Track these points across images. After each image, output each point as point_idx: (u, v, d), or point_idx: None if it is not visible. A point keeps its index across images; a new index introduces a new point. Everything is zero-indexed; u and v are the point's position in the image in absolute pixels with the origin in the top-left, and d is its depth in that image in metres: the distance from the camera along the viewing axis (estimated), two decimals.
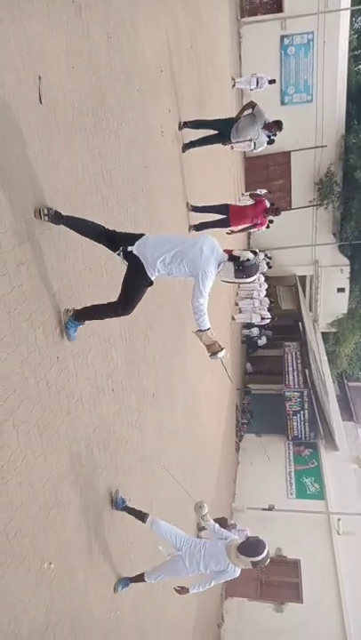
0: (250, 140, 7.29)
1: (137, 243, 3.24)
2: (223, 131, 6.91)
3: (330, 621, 10.07)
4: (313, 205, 19.81)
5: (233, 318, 14.39)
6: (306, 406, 15.32)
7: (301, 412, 15.32)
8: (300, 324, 18.77)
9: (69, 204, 3.46)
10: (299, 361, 17.44)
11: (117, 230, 3.40)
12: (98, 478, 3.92)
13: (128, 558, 4.63)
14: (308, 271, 21.38)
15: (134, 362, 4.94)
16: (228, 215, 7.47)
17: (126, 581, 4.39)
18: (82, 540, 3.58)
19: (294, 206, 19.88)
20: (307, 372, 16.35)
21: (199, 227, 7.77)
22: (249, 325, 16.50)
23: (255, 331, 16.73)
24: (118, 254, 3.27)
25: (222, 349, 3.40)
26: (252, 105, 6.83)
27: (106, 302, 3.41)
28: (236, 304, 15.22)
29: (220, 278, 3.36)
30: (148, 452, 5.36)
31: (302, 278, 21.66)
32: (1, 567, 2.56)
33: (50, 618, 3.04)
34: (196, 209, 7.59)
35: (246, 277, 3.33)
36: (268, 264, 18.21)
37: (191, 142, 7.26)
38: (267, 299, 15.85)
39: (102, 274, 4.04)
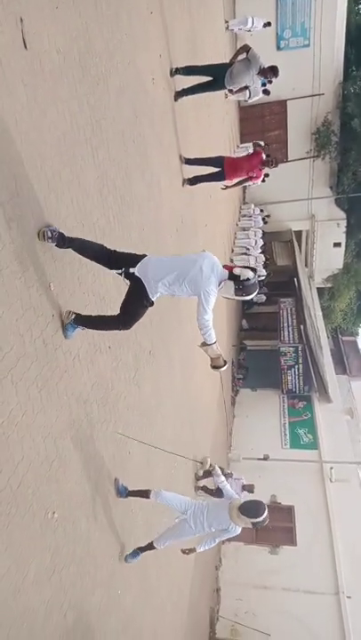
0: (245, 88, 6.99)
1: (139, 264, 3.27)
2: (216, 76, 6.61)
3: (322, 561, 10.66)
4: (310, 157, 19.31)
5: None
6: (300, 361, 15.57)
7: (296, 367, 15.58)
8: (295, 279, 18.74)
9: (58, 156, 3.35)
10: (294, 317, 17.54)
11: (119, 250, 3.41)
12: (98, 432, 4.02)
13: (130, 508, 4.82)
14: (304, 226, 21.12)
15: None
16: (222, 168, 7.27)
17: (137, 552, 4.62)
18: (84, 491, 3.70)
19: (291, 158, 19.38)
20: (302, 327, 16.48)
21: (193, 181, 7.58)
22: None
23: None
24: (120, 274, 3.32)
25: (225, 364, 3.58)
26: (246, 49, 6.49)
27: (108, 315, 3.53)
28: (231, 261, 15.11)
29: (221, 295, 3.42)
30: (145, 406, 5.47)
31: (298, 233, 21.42)
32: (7, 517, 2.66)
33: (55, 562, 3.19)
34: (189, 161, 7.38)
35: (246, 296, 3.42)
36: (263, 219, 17.94)
37: (184, 90, 6.96)
38: (262, 255, 15.73)
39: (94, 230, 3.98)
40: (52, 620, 3.14)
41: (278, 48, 17.54)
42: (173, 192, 6.98)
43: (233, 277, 3.32)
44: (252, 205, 18.99)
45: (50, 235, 3.02)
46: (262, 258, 15.69)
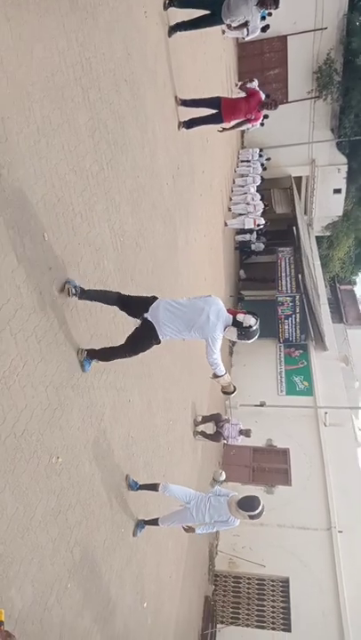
0: (244, 25, 6.54)
1: (151, 309, 3.56)
2: (213, 9, 6.18)
3: (316, 499, 11.21)
4: (311, 98, 18.49)
5: (226, 224, 14.09)
6: (298, 310, 15.65)
7: (293, 316, 15.69)
8: (294, 228, 18.45)
9: (48, 98, 3.20)
10: (292, 266, 17.44)
11: (131, 295, 3.72)
12: (98, 381, 4.09)
13: (131, 452, 5.00)
14: (303, 171, 20.55)
15: (127, 270, 4.91)
16: (220, 109, 6.96)
17: (142, 525, 5.14)
18: (86, 436, 3.82)
19: (291, 99, 18.56)
20: (300, 276, 16.43)
21: (189, 123, 7.28)
22: (242, 231, 16.19)
23: (248, 236, 16.43)
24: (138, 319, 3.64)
25: (235, 390, 4.03)
26: None
27: (116, 347, 3.81)
28: (230, 209, 14.80)
29: (225, 336, 3.70)
30: (145, 357, 5.54)
31: (298, 180, 20.87)
32: (12, 462, 2.76)
33: (61, 503, 3.35)
34: (185, 103, 7.06)
35: (248, 340, 3.69)
36: (262, 165, 17.40)
37: (178, 25, 6.53)
38: (261, 203, 15.38)
39: (88, 177, 3.86)
40: (60, 555, 3.33)
41: None
42: (169, 136, 6.73)
43: (236, 324, 3.60)
44: (251, 150, 18.36)
45: (74, 291, 3.36)
46: (261, 205, 15.35)
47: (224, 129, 7.43)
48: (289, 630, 9.46)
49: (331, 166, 19.92)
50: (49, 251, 3.21)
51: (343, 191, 20.47)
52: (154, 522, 5.31)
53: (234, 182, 15.98)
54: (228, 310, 3.67)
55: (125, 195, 4.82)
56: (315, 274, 18.92)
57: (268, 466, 12.13)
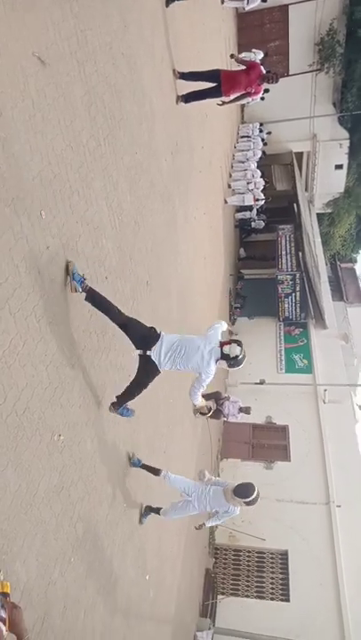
0: None
1: (153, 349, 3.90)
2: None
3: (314, 475, 11.40)
4: (313, 71, 18.02)
5: (225, 201, 13.93)
6: (298, 288, 15.61)
7: (293, 295, 15.65)
8: (294, 205, 18.24)
9: (42, 72, 3.11)
10: (292, 244, 17.31)
11: (133, 321, 3.95)
12: (99, 361, 4.11)
13: (132, 429, 5.06)
14: (305, 147, 20.19)
15: (126, 249, 4.88)
16: (219, 83, 6.80)
17: (148, 512, 5.41)
18: (88, 414, 3.85)
19: (292, 72, 18.11)
20: (300, 254, 16.33)
21: (187, 98, 7.13)
22: (242, 208, 16.02)
23: (248, 214, 16.25)
24: (140, 355, 3.97)
25: (210, 412, 4.86)
26: None
27: (130, 385, 4.19)
28: (229, 186, 14.61)
29: (219, 367, 4.11)
30: None
31: (299, 155, 20.52)
32: (14, 440, 2.78)
33: (63, 480, 3.40)
34: (184, 76, 6.89)
35: (237, 367, 4.11)
36: (263, 140, 17.09)
37: None
38: (262, 180, 15.18)
39: (84, 151, 3.80)
40: (64, 530, 3.40)
41: None
42: (167, 111, 6.60)
43: (224, 357, 4.00)
44: (251, 125, 18.02)
45: (80, 289, 3.50)
46: (262, 182, 15.15)
47: (224, 102, 7.27)
48: (288, 600, 9.73)
49: (332, 141, 19.57)
50: (47, 229, 3.18)
51: (345, 167, 20.15)
52: (158, 511, 5.54)
53: (233, 158, 15.74)
54: (221, 344, 4.03)
55: (123, 172, 4.75)
56: (315, 251, 18.79)
57: (268, 442, 12.28)
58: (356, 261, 24.53)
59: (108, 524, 4.30)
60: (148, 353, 3.90)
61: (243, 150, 16.21)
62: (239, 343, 4.07)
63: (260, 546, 10.45)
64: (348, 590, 9.47)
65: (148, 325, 4.02)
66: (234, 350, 4.00)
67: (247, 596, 10.08)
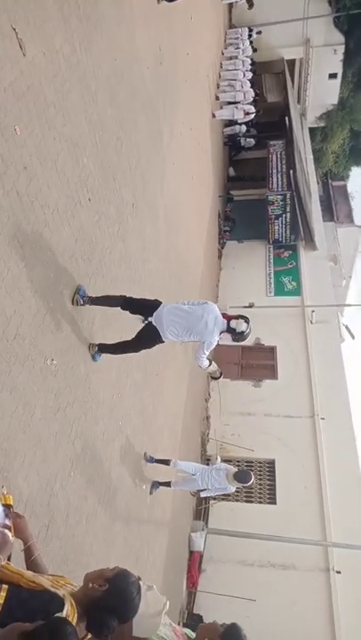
0: None
1: (155, 314, 3.98)
2: None
3: (301, 391, 11.91)
4: None
5: (213, 115, 13.14)
6: (288, 209, 15.24)
7: (283, 216, 15.33)
8: (286, 119, 17.30)
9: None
10: (283, 162, 16.63)
11: (135, 297, 4.07)
12: (87, 285, 4.07)
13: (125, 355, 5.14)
14: (297, 53, 18.81)
15: (109, 168, 4.65)
16: None
17: (157, 484, 6.19)
18: (80, 337, 3.89)
19: None
20: (291, 172, 15.75)
21: None
22: (231, 122, 15.14)
23: (237, 128, 15.37)
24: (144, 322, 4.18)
25: (221, 375, 4.74)
26: None
27: (123, 341, 4.19)
28: (217, 98, 13.69)
29: (219, 341, 4.17)
30: (133, 261, 5.47)
31: (291, 64, 19.15)
32: (7, 365, 2.82)
33: (59, 402, 3.50)
34: None
35: (241, 341, 4.18)
36: (251, 43, 15.80)
37: None
38: (251, 90, 14.23)
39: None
40: (62, 448, 3.56)
41: None
42: (148, 12, 6.00)
43: (230, 330, 4.05)
44: (240, 29, 16.55)
45: (82, 302, 3.73)
46: (251, 93, 14.22)
47: None
48: (274, 503, 10.59)
49: (326, 47, 18.21)
50: (22, 147, 2.99)
51: (339, 76, 18.95)
52: (166, 484, 6.42)
53: (221, 66, 14.65)
54: (223, 315, 4.08)
55: (102, 81, 4.40)
56: (307, 169, 18.15)
57: (256, 362, 12.68)
58: (348, 178, 23.87)
59: (105, 441, 4.51)
60: (150, 319, 4.06)
61: (231, 57, 15.03)
62: (246, 320, 4.14)
63: (249, 456, 11.15)
64: (330, 490, 10.30)
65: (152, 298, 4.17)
66: (240, 326, 4.08)
67: (237, 501, 10.93)
